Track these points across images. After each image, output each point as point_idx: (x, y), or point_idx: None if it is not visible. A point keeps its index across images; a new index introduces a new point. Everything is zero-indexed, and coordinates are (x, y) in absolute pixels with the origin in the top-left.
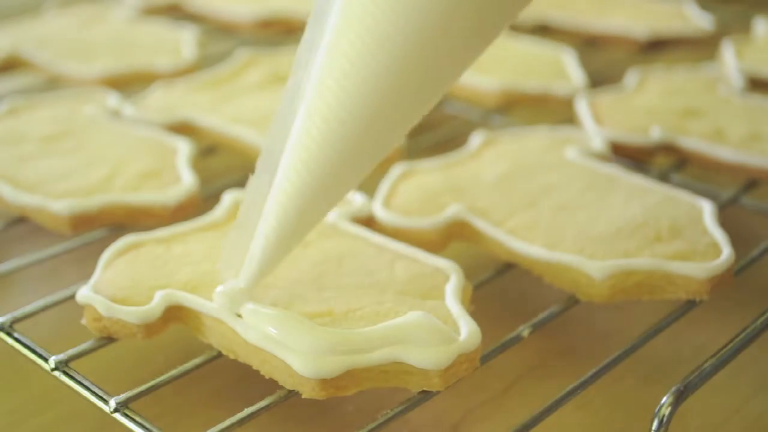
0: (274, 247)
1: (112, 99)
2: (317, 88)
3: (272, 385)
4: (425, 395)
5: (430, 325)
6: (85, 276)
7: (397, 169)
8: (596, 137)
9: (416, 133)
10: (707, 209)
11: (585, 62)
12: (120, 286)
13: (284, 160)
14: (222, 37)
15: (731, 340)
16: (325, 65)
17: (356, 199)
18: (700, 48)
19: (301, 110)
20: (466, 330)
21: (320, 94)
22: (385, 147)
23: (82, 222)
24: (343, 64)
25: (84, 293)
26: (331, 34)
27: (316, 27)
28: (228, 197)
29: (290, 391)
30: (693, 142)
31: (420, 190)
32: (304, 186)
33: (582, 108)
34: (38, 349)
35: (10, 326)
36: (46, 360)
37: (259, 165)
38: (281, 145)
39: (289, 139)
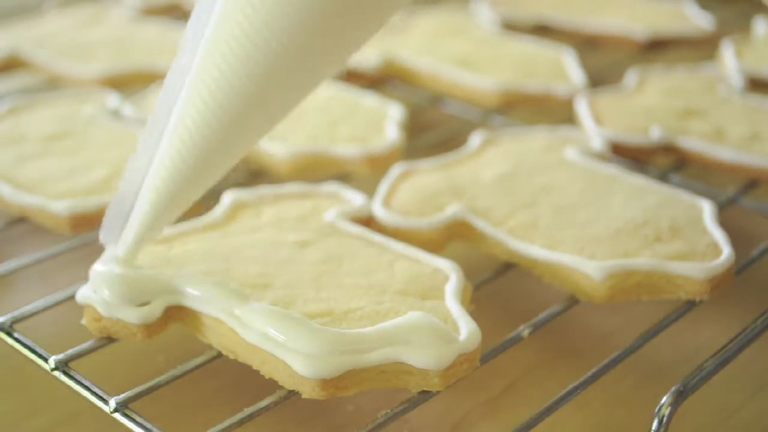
0: (151, 222)
1: (112, 99)
2: (198, 73)
3: (272, 385)
4: (425, 395)
5: (430, 325)
6: (85, 276)
7: (397, 169)
8: (596, 137)
9: (416, 133)
10: (707, 209)
11: (585, 62)
12: None
13: (164, 141)
14: None
15: (731, 340)
16: (206, 52)
17: (356, 199)
18: (700, 48)
19: (182, 94)
20: (466, 330)
21: (200, 80)
22: (257, 134)
23: (82, 222)
24: (222, 50)
25: (84, 293)
26: (213, 23)
27: (202, 13)
28: (228, 197)
29: (290, 391)
30: (693, 142)
31: (420, 190)
32: (181, 167)
33: (582, 108)
34: (38, 349)
35: (10, 326)
36: (46, 360)
37: (141, 142)
38: (163, 124)
39: (170, 120)
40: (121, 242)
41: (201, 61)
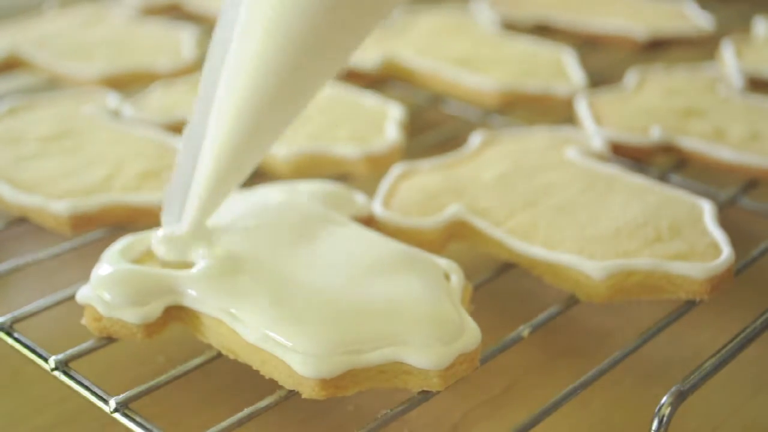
0: (212, 193)
1: (112, 99)
2: (241, 39)
3: (272, 385)
4: (425, 395)
5: (430, 325)
6: (85, 276)
7: (397, 169)
8: (596, 137)
9: (416, 132)
10: (707, 209)
11: (585, 62)
12: None
13: (215, 111)
14: None
15: (731, 340)
16: (248, 19)
17: (357, 199)
18: (700, 48)
19: (230, 56)
20: (466, 330)
21: (244, 46)
22: (302, 100)
23: (82, 222)
24: (264, 18)
25: (84, 293)
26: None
27: None
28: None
29: (290, 391)
30: (693, 142)
31: (420, 190)
32: (235, 134)
33: (582, 108)
34: (38, 349)
35: (10, 326)
36: (46, 360)
37: (194, 116)
38: (212, 94)
39: (218, 90)
40: (184, 218)
41: (243, 26)
